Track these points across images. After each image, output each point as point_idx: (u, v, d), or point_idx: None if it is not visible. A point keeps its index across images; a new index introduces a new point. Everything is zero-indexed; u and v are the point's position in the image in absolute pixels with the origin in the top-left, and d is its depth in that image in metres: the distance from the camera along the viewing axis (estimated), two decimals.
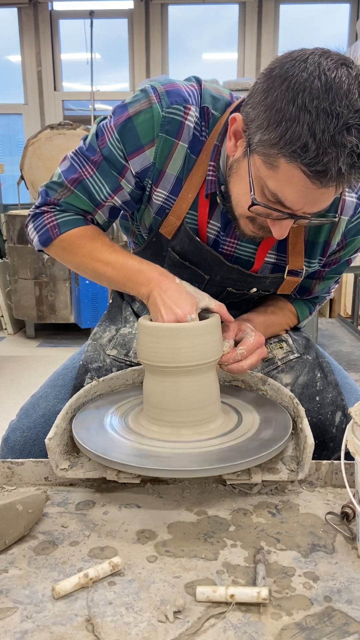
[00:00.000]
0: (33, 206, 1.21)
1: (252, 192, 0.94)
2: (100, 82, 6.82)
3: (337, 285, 1.37)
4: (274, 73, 0.86)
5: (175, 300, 1.00)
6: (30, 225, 1.21)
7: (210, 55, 7.51)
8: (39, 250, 1.22)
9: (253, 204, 0.95)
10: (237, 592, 0.68)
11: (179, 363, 0.94)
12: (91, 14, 6.55)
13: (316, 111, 0.80)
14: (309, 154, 0.82)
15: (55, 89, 7.16)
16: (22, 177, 5.14)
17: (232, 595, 0.67)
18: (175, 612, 0.67)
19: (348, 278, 5.11)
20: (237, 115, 0.96)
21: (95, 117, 6.43)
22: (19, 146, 6.47)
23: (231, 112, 1.05)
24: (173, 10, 6.99)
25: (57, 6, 6.96)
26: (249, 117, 0.92)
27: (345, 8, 6.94)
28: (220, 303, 1.06)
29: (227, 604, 0.68)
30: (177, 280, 1.06)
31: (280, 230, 0.98)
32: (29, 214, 1.22)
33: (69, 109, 7.32)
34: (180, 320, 0.98)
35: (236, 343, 1.08)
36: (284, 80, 0.84)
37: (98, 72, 6.68)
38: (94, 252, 1.13)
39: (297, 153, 0.83)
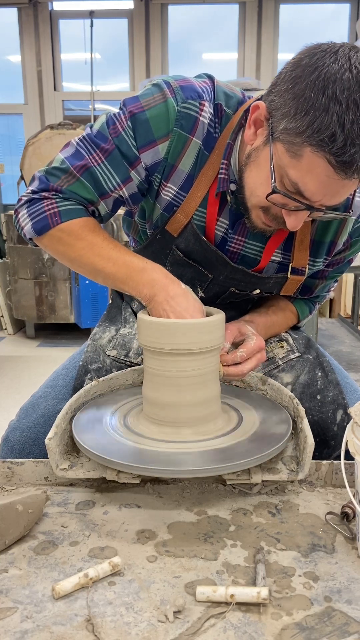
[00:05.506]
0: (26, 191, 1.11)
1: (273, 180, 0.93)
2: (100, 82, 6.81)
3: (336, 284, 1.37)
4: (303, 62, 0.86)
5: (185, 306, 0.99)
6: (23, 212, 1.10)
7: (211, 55, 7.50)
8: (29, 239, 1.12)
9: (273, 192, 0.94)
10: (237, 592, 0.68)
11: (179, 349, 0.94)
12: (91, 14, 6.55)
13: (346, 102, 0.81)
14: (337, 144, 0.83)
15: (55, 89, 7.15)
16: (22, 177, 5.14)
17: (232, 595, 0.67)
18: (175, 612, 0.67)
19: (348, 278, 5.11)
20: (260, 103, 0.95)
21: (95, 117, 6.43)
22: (19, 146, 6.46)
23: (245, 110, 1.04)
24: (173, 10, 6.98)
25: (57, 6, 6.95)
26: (273, 105, 0.91)
27: (345, 8, 6.93)
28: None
29: (227, 604, 0.68)
30: (183, 285, 1.03)
31: (295, 221, 0.98)
32: (20, 199, 1.12)
33: (69, 109, 7.31)
34: None
35: (236, 345, 1.07)
36: (314, 70, 0.84)
37: (98, 72, 6.68)
38: (94, 246, 1.06)
39: (325, 142, 0.83)
